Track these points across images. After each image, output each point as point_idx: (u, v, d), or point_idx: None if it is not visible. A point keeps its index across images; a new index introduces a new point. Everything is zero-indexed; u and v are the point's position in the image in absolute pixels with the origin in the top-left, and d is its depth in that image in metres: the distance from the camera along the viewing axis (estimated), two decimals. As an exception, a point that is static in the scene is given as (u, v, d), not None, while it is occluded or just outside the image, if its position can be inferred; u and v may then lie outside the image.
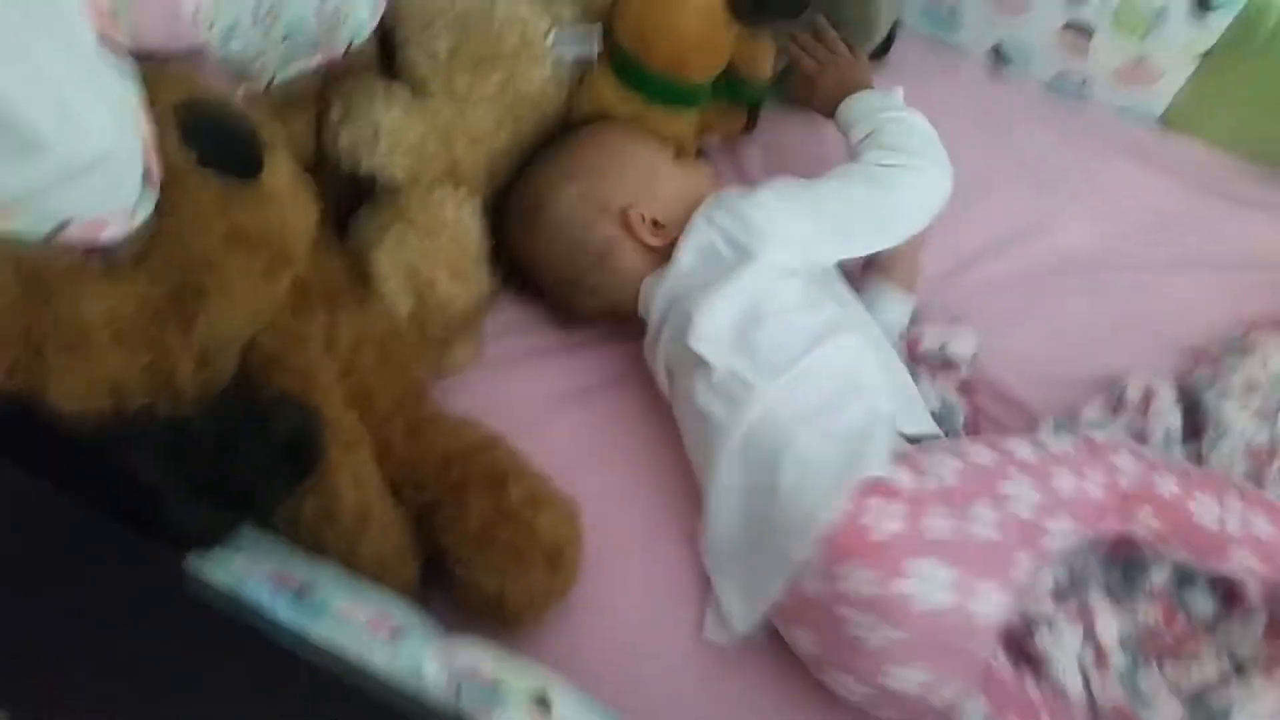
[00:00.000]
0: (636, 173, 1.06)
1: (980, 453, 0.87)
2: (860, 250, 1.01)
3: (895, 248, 1.02)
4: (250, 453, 0.69)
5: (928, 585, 0.79)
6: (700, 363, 0.93)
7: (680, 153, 1.11)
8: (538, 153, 1.09)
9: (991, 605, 0.81)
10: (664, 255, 1.01)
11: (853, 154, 1.03)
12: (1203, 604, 0.92)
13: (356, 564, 0.80)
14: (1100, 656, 0.88)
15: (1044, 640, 0.87)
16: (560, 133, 1.10)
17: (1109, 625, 0.89)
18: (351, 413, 0.85)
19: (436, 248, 0.98)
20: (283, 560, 0.73)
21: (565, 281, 1.07)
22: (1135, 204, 1.19)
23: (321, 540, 0.79)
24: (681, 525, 1.00)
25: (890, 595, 0.79)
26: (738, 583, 0.91)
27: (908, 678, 0.81)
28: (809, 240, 0.98)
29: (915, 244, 1.06)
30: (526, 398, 1.08)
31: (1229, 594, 0.91)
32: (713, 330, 0.93)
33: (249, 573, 0.67)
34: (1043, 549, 0.84)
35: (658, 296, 1.00)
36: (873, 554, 0.81)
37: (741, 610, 0.90)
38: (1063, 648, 0.87)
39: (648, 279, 1.02)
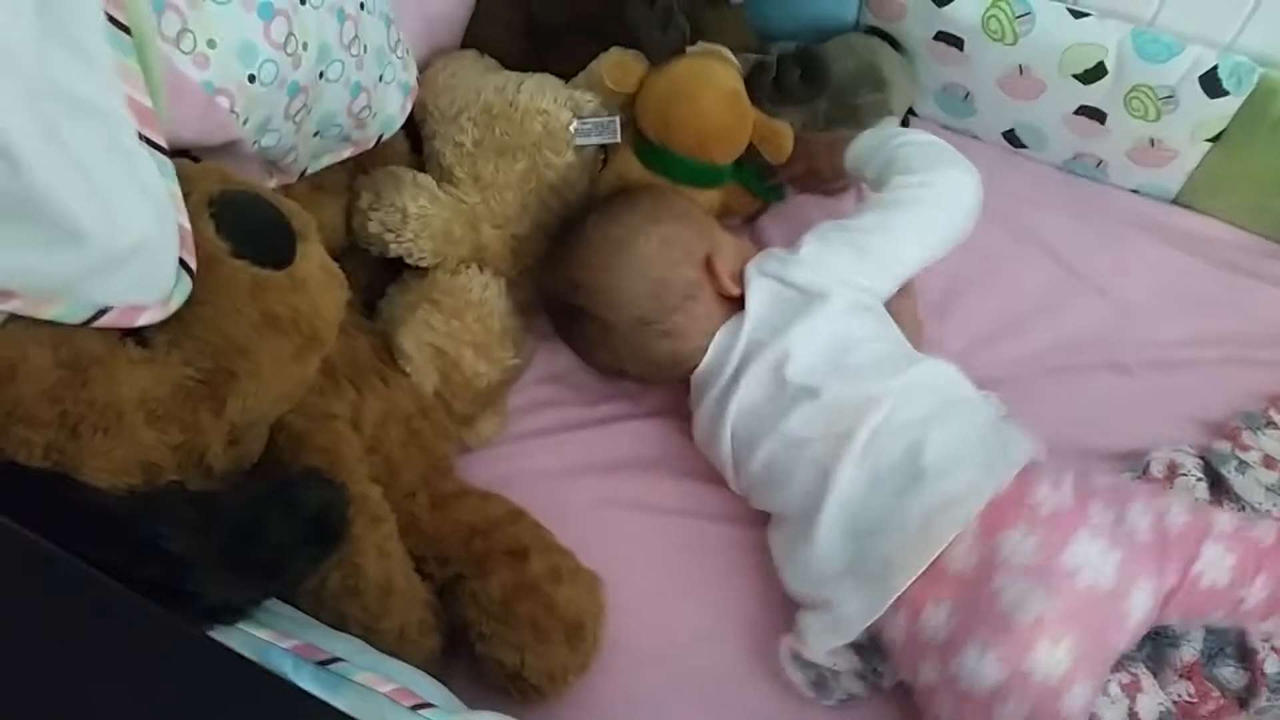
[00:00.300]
0: (710, 225, 1.10)
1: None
2: (914, 270, 1.04)
3: (896, 307, 1.05)
4: (277, 527, 0.71)
5: (1094, 562, 0.82)
6: (800, 395, 0.95)
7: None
8: (599, 207, 1.09)
9: (1143, 601, 0.82)
10: (732, 308, 1.03)
11: (875, 188, 1.06)
12: (1233, 678, 0.91)
13: (379, 637, 0.82)
14: None
15: (1097, 705, 0.86)
16: (610, 196, 1.12)
17: (1149, 701, 0.88)
18: (377, 488, 0.87)
19: (462, 327, 1.02)
20: (306, 632, 0.74)
21: (643, 322, 1.03)
22: (1154, 280, 1.19)
23: (345, 613, 0.81)
24: (706, 598, 1.02)
25: (1056, 564, 0.82)
26: (857, 583, 0.89)
27: (1053, 657, 0.80)
28: (864, 277, 1.01)
29: (911, 303, 1.09)
30: (550, 471, 1.10)
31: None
32: (811, 362, 0.96)
33: (272, 644, 0.68)
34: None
35: (738, 342, 1.00)
36: (1042, 524, 0.83)
37: (861, 607, 0.88)
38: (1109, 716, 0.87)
39: (723, 327, 1.03)
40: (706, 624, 1.00)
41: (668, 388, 1.12)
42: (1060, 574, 0.81)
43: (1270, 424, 1.05)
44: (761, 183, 1.22)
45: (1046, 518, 0.84)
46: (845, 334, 0.98)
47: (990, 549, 0.84)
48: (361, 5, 0.91)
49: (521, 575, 0.93)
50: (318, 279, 0.72)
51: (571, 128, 1.08)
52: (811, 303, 0.98)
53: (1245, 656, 0.91)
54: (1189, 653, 0.91)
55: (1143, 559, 0.83)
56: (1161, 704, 0.89)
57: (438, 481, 1.00)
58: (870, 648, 0.92)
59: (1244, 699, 0.91)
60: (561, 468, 1.10)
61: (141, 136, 0.68)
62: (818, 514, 0.91)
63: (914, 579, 0.85)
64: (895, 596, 0.85)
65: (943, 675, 0.83)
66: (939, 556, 0.84)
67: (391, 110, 0.99)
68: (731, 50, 1.15)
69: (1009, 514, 0.84)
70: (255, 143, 0.84)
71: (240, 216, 0.70)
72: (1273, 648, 0.90)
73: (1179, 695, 0.90)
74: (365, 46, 0.92)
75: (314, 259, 0.73)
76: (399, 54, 0.99)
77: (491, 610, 0.92)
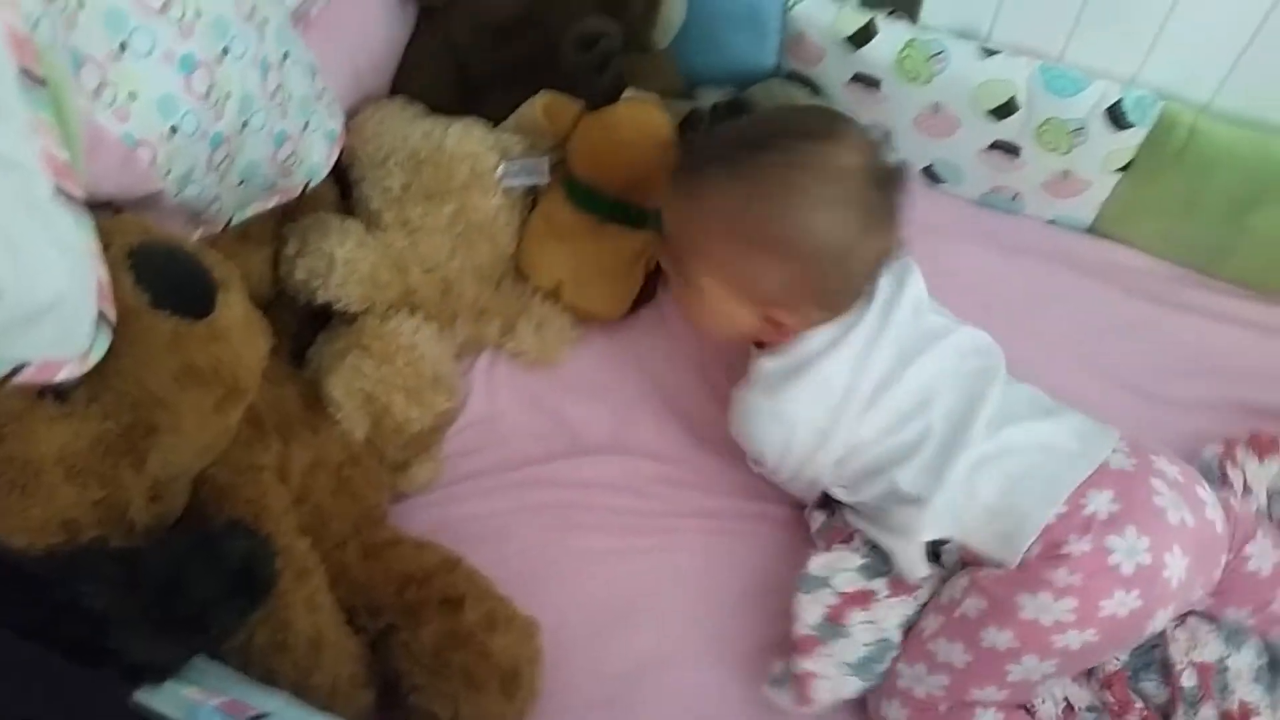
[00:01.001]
0: None
1: None
2: None
3: None
4: (201, 582, 0.70)
5: (1212, 502, 0.92)
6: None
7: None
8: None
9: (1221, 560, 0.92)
10: None
11: None
12: (1156, 692, 0.95)
13: (310, 692, 0.81)
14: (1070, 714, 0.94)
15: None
16: None
17: (1082, 693, 0.95)
18: (305, 540, 0.87)
19: (393, 372, 1.01)
20: (234, 689, 0.73)
21: (832, 252, 0.93)
22: (1070, 310, 1.23)
23: (274, 669, 0.80)
24: (648, 639, 1.02)
25: (1192, 490, 0.91)
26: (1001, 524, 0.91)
27: (1178, 563, 0.87)
28: None
29: None
30: (487, 516, 1.09)
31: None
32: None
33: (200, 702, 0.67)
34: None
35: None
36: (1177, 459, 0.95)
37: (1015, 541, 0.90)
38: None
39: None
40: (649, 665, 1.01)
41: (606, 426, 1.13)
42: (1195, 499, 0.90)
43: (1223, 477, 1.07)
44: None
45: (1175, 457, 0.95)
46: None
47: (1144, 459, 0.92)
48: (285, 55, 0.91)
49: (455, 624, 0.93)
50: (239, 329, 0.72)
51: (499, 170, 1.10)
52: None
53: (1167, 673, 0.94)
54: (1113, 664, 0.95)
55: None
56: (1092, 702, 0.95)
57: (370, 530, 0.99)
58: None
59: (1166, 713, 0.94)
60: (499, 512, 1.10)
61: (58, 190, 0.67)
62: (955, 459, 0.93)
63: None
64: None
65: (1094, 547, 0.87)
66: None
67: (317, 158, 0.99)
68: (660, 94, 1.18)
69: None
70: (178, 194, 0.84)
71: (160, 268, 0.70)
72: (1191, 662, 0.93)
73: (1105, 698, 0.95)
74: (289, 96, 0.92)
75: (235, 309, 0.72)
76: (324, 102, 0.99)
77: (424, 661, 0.91)
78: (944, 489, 0.91)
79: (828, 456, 0.97)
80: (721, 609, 1.04)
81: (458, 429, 1.15)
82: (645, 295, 1.21)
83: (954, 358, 0.99)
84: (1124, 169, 1.18)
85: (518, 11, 1.19)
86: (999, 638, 0.88)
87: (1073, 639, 0.86)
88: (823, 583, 0.95)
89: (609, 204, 1.12)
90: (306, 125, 0.96)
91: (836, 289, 0.95)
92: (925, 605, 0.96)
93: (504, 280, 1.20)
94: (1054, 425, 0.96)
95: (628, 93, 1.12)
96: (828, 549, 0.98)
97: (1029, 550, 0.89)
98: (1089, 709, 0.95)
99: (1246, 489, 1.03)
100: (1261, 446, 1.06)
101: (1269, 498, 1.04)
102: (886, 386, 0.95)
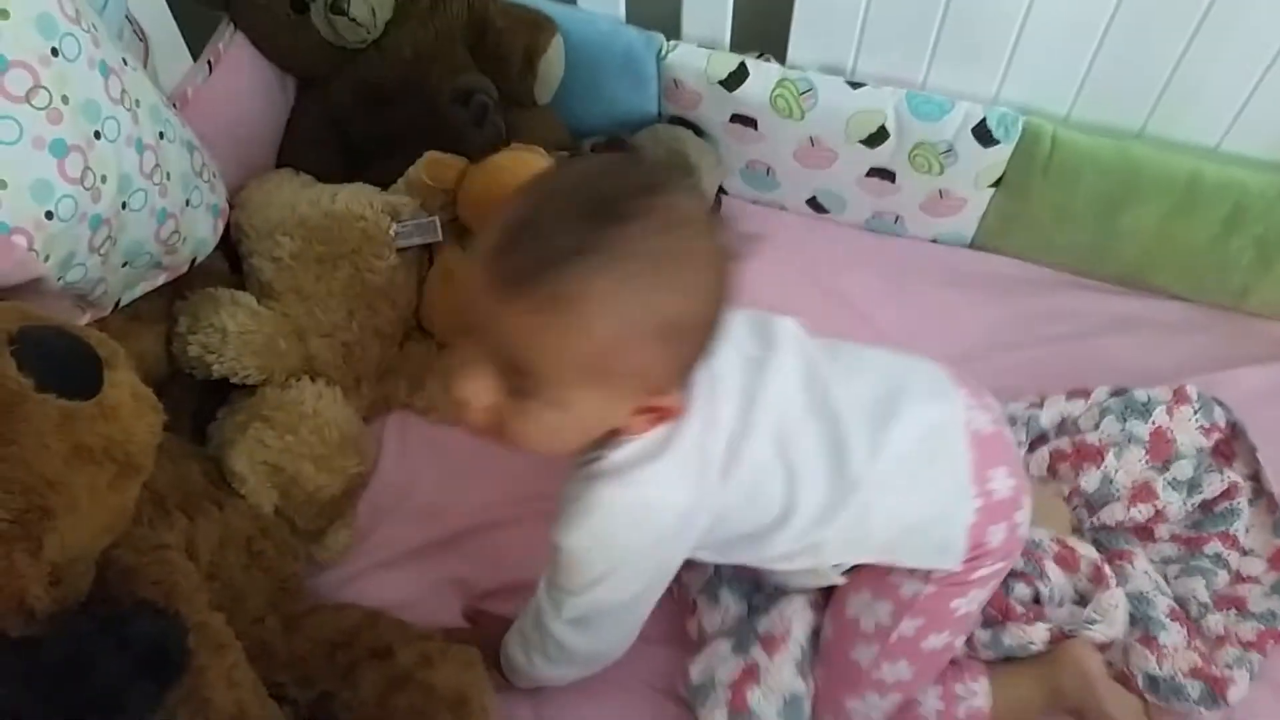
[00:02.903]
0: None
1: None
2: None
3: None
4: (108, 665, 0.69)
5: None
6: None
7: None
8: None
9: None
10: None
11: None
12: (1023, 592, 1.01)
13: (236, 769, 0.79)
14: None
15: None
16: None
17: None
18: (219, 615, 0.85)
19: (298, 441, 1.01)
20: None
21: (717, 313, 0.77)
22: (958, 324, 1.27)
23: (197, 749, 0.78)
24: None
25: None
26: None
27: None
28: None
29: None
30: (409, 578, 1.08)
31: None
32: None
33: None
34: None
35: None
36: None
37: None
38: None
39: None
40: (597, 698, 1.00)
41: (525, 478, 1.13)
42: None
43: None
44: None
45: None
46: None
47: (979, 399, 0.95)
48: (160, 134, 0.92)
49: (391, 669, 0.91)
50: (129, 405, 0.71)
51: (392, 231, 1.11)
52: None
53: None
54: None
55: None
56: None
57: (287, 603, 0.98)
58: None
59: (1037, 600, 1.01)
60: (417, 574, 1.09)
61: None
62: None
63: None
64: None
65: (1008, 531, 0.91)
66: None
67: (203, 233, 0.99)
68: (545, 148, 1.20)
69: None
70: (60, 278, 0.83)
71: (42, 351, 0.69)
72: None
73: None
74: (168, 174, 0.92)
75: (124, 386, 0.71)
76: (205, 178, 0.99)
77: (370, 713, 0.90)
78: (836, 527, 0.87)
79: (691, 533, 0.86)
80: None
81: (372, 492, 1.14)
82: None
83: (796, 380, 0.88)
84: (996, 184, 1.24)
85: (397, 76, 1.21)
86: (937, 640, 0.91)
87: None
88: (709, 686, 0.95)
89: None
90: (188, 202, 0.96)
91: (708, 351, 0.79)
92: (815, 634, 0.98)
93: (408, 338, 1.20)
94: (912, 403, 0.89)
95: (509, 149, 1.14)
96: (702, 641, 0.99)
97: None
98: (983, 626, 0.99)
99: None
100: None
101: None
102: (740, 437, 0.84)
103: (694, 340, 0.77)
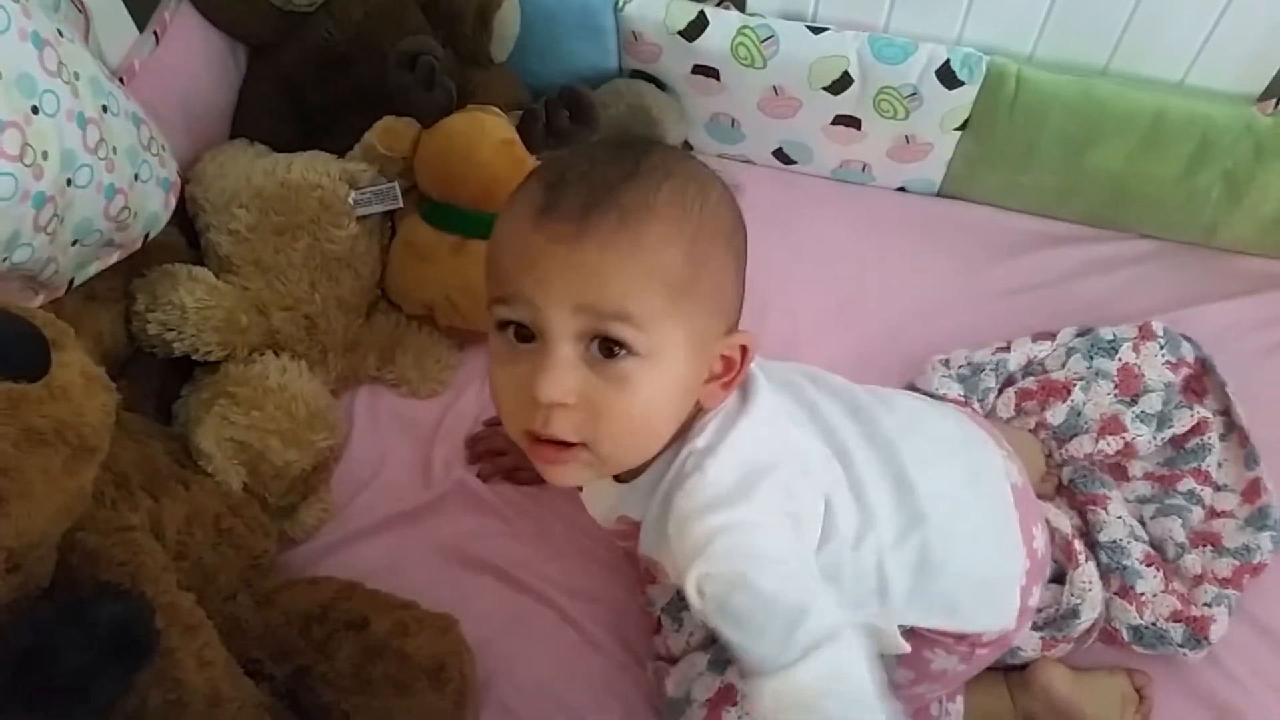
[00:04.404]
0: None
1: None
2: None
3: None
4: (72, 650, 0.68)
5: None
6: None
7: None
8: None
9: None
10: None
11: None
12: None
13: (213, 749, 0.78)
14: None
15: None
16: None
17: None
18: (189, 596, 0.84)
19: (264, 417, 1.00)
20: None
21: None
22: (931, 272, 1.26)
23: (173, 730, 0.77)
24: (564, 642, 1.02)
25: None
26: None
27: None
28: None
29: None
30: (386, 553, 1.08)
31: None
32: None
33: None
34: None
35: None
36: None
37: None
38: None
39: None
40: (567, 665, 1.01)
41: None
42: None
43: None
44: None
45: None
46: None
47: (1001, 443, 0.94)
48: (104, 108, 0.89)
49: (367, 640, 0.92)
50: (79, 385, 0.69)
51: (350, 199, 1.09)
52: None
53: None
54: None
55: None
56: None
57: (260, 579, 0.97)
58: None
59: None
60: (391, 548, 1.08)
61: None
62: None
63: None
64: None
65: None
66: None
67: (154, 208, 0.97)
68: (504, 108, 1.18)
69: None
70: (5, 259, 0.81)
71: (-14, 334, 0.67)
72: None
73: None
74: (114, 149, 0.90)
75: (73, 366, 0.70)
76: (154, 151, 0.97)
77: (347, 684, 0.90)
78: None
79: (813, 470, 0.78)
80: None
81: (344, 466, 1.13)
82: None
83: (842, 408, 0.84)
84: (962, 127, 1.23)
85: (349, 39, 1.18)
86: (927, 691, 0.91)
87: None
88: (684, 702, 0.93)
89: (466, 217, 1.12)
90: (137, 176, 0.93)
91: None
92: None
93: (375, 310, 1.18)
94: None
95: (464, 110, 1.12)
96: (670, 658, 0.97)
97: None
98: None
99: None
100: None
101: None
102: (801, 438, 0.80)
103: (744, 258, 0.75)
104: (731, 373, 0.74)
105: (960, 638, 0.84)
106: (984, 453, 0.89)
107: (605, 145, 0.71)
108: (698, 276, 0.69)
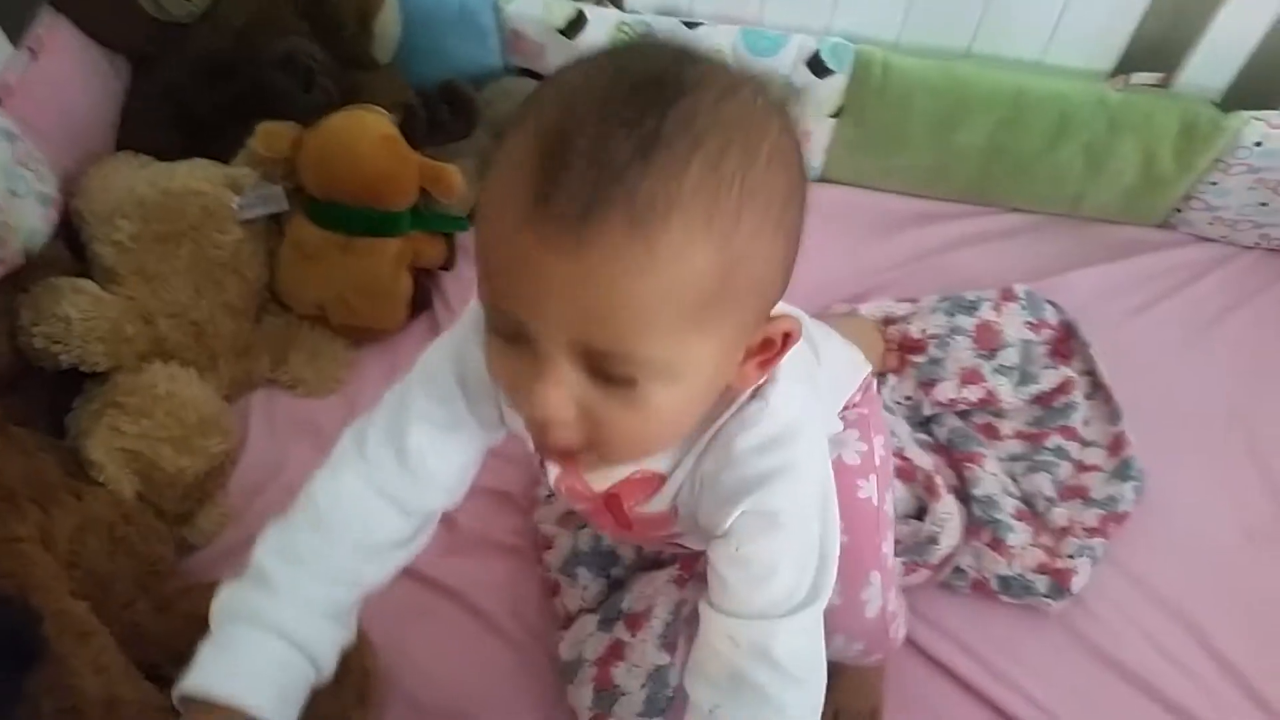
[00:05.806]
0: None
1: None
2: None
3: None
4: (-44, 662, 0.69)
5: None
6: None
7: None
8: None
9: None
10: None
11: None
12: None
13: (113, 753, 0.79)
14: None
15: None
16: None
17: None
18: (82, 603, 0.85)
19: (154, 425, 1.00)
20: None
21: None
22: (816, 257, 1.29)
23: (69, 736, 0.78)
24: (468, 630, 1.04)
25: None
26: None
27: None
28: None
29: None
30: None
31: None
32: None
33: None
34: None
35: None
36: None
37: None
38: None
39: None
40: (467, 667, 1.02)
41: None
42: None
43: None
44: (443, 218, 1.24)
45: None
46: None
47: None
48: (-27, 125, 0.90)
49: None
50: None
51: (235, 204, 1.09)
52: None
53: None
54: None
55: None
56: None
57: (158, 585, 0.98)
58: None
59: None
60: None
61: None
62: None
63: None
64: None
65: None
66: None
67: (33, 223, 0.97)
68: (388, 109, 1.19)
69: None
70: (-124, 280, 0.81)
71: None
72: None
73: None
74: (-14, 165, 0.90)
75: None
76: (30, 167, 0.97)
77: None
78: None
79: None
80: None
81: (242, 470, 1.14)
82: (421, 302, 1.23)
83: None
84: (837, 114, 1.27)
85: (230, 47, 1.19)
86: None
87: None
88: (577, 664, 0.96)
89: (351, 215, 1.13)
90: (14, 192, 0.94)
91: None
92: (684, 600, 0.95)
93: (264, 313, 1.19)
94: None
95: (346, 110, 1.13)
96: (568, 619, 1.01)
97: None
98: None
99: None
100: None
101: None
102: None
103: (800, 225, 0.60)
104: (770, 352, 0.62)
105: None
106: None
107: (622, 82, 0.52)
108: (733, 276, 0.54)
